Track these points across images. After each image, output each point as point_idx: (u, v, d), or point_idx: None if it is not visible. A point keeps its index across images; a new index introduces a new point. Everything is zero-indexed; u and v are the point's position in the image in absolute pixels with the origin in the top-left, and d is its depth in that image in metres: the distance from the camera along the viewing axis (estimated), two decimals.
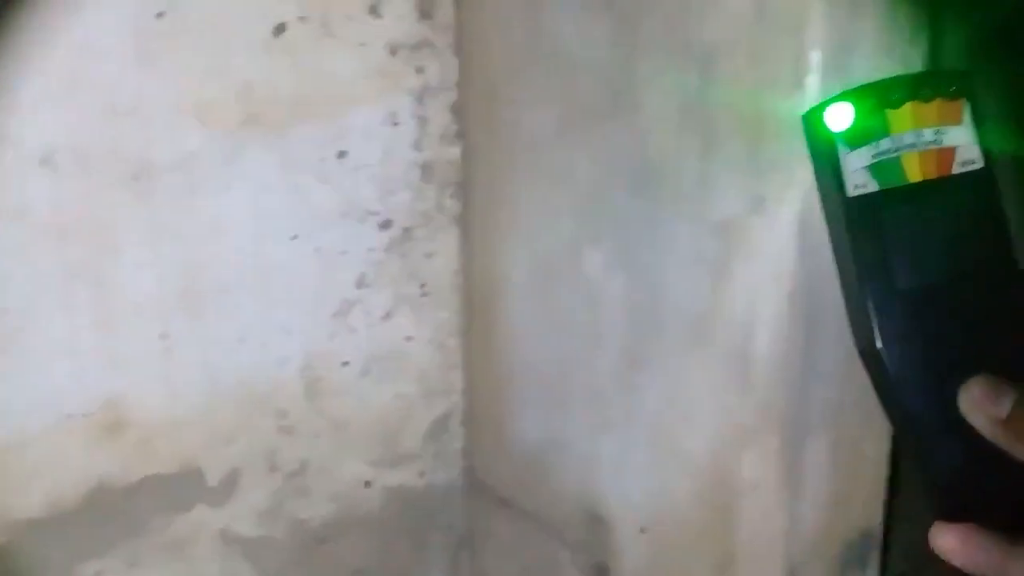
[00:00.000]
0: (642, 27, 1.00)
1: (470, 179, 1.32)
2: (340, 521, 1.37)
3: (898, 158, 0.32)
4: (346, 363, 1.30)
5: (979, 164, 0.32)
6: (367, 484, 1.40)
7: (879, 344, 0.33)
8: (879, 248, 0.32)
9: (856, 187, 0.32)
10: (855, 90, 0.33)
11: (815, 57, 0.85)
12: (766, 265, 0.94)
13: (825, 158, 0.33)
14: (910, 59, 0.94)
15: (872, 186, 0.32)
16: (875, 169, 0.32)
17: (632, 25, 1.01)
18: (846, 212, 0.33)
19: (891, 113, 0.32)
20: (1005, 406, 0.32)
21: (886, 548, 1.07)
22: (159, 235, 1.10)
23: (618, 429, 1.16)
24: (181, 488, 1.22)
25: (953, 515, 0.34)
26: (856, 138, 0.32)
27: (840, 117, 0.32)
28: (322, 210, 1.22)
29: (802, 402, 0.98)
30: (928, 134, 0.32)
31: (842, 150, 0.32)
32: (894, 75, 0.32)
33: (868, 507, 1.07)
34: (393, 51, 1.24)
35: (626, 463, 1.15)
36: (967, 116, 0.31)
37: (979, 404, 0.32)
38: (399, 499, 1.43)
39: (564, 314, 1.21)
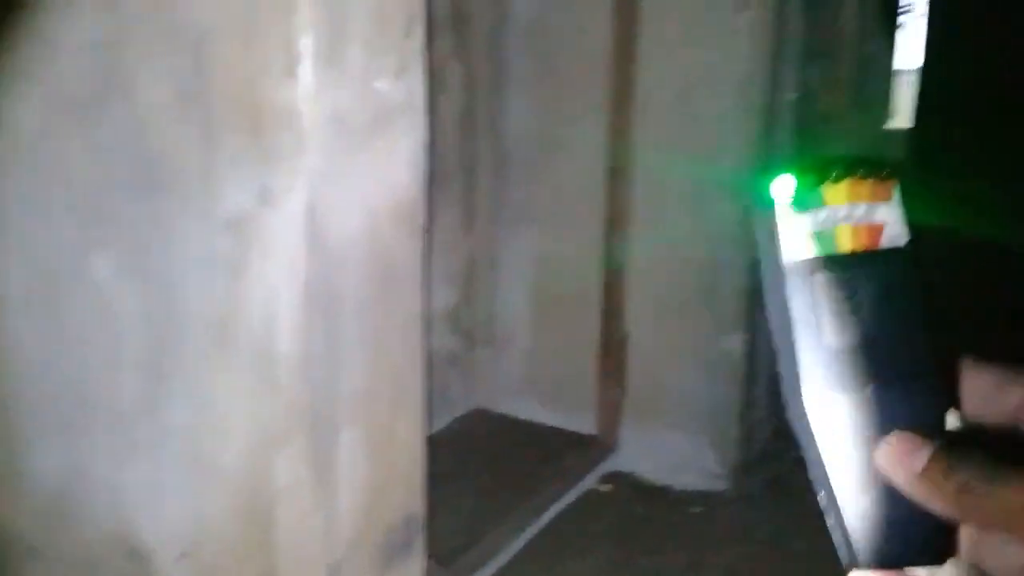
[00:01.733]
0: (127, 5, 0.90)
1: None
2: None
3: (832, 229, 0.34)
4: None
5: (904, 240, 0.34)
6: None
7: (805, 398, 0.34)
8: (810, 310, 0.34)
9: (792, 253, 0.34)
10: (799, 164, 0.34)
11: (305, 44, 0.83)
12: (280, 259, 0.90)
13: (768, 225, 0.34)
14: (405, 52, 0.97)
15: (808, 252, 0.34)
16: (811, 238, 0.34)
17: (116, 3, 0.90)
18: (783, 274, 0.34)
19: (829, 188, 0.34)
20: (920, 461, 0.32)
21: (431, 529, 1.10)
22: None
23: (147, 451, 1.04)
24: None
25: (868, 564, 0.35)
26: (796, 207, 0.34)
27: (783, 187, 0.34)
28: None
29: (330, 397, 0.96)
30: (861, 209, 0.34)
31: (782, 217, 0.34)
32: (835, 155, 0.37)
33: (408, 492, 1.09)
34: None
35: (159, 487, 1.05)
36: (896, 196, 0.34)
37: (896, 459, 0.33)
38: None
39: (75, 330, 1.06)
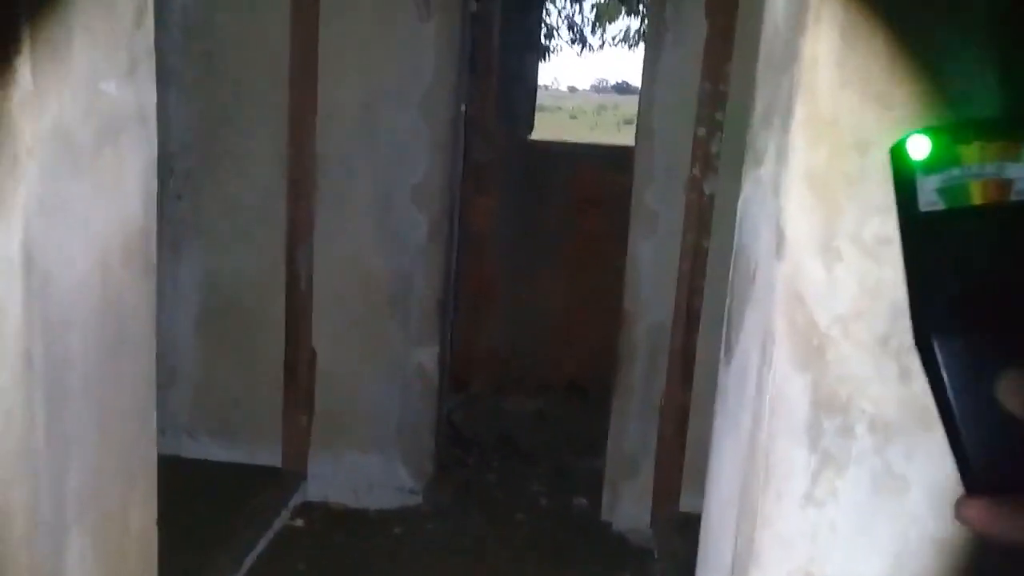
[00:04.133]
0: None
1: None
2: None
3: (965, 184, 0.36)
4: None
5: None
6: None
7: (932, 337, 0.37)
8: (941, 256, 0.37)
9: (927, 205, 0.37)
10: (934, 128, 0.38)
11: (25, 33, 0.61)
12: None
13: (905, 181, 0.38)
14: (136, 46, 0.77)
15: (941, 205, 0.37)
16: (944, 192, 0.37)
17: None
18: (917, 225, 0.37)
19: (962, 148, 0.36)
20: None
21: None
22: None
23: None
24: None
25: (980, 489, 0.38)
26: (931, 166, 0.37)
27: (919, 148, 0.37)
28: None
29: (55, 497, 0.73)
30: (991, 167, 0.36)
31: (919, 175, 0.37)
32: (968, 119, 0.39)
33: None
34: None
35: None
36: None
37: (1014, 390, 0.36)
38: None
39: None
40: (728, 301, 1.01)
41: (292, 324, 2.37)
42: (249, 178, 2.32)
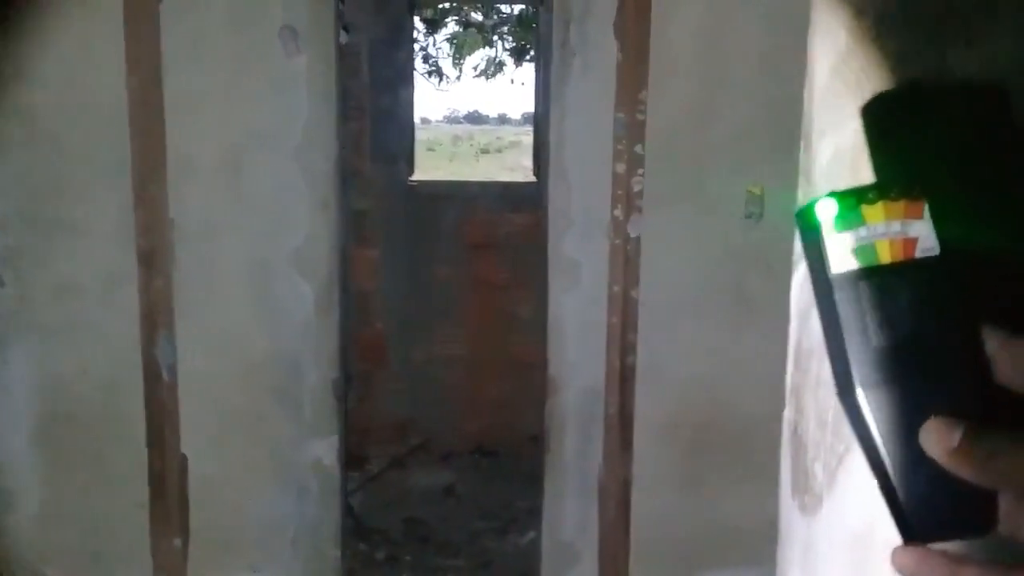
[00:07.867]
0: None
1: None
2: None
3: (872, 244, 0.39)
4: None
5: (936, 251, 0.38)
6: None
7: (858, 391, 0.39)
8: (858, 314, 0.39)
9: (838, 265, 0.39)
10: (839, 192, 0.39)
11: None
12: None
13: (814, 244, 0.40)
14: None
15: (852, 265, 0.39)
16: (854, 252, 0.39)
17: None
18: (831, 286, 0.39)
19: (867, 208, 0.39)
20: (956, 438, 0.37)
21: None
22: None
23: None
24: None
25: (915, 538, 0.39)
26: (838, 228, 0.39)
27: (826, 211, 0.39)
28: None
29: None
30: (896, 226, 0.39)
31: (827, 237, 0.39)
32: (870, 183, 0.39)
33: None
34: None
35: None
36: (927, 213, 0.38)
37: (935, 438, 0.37)
38: None
39: None
40: (789, 412, 0.73)
41: (155, 427, 1.95)
42: (88, 255, 1.90)
